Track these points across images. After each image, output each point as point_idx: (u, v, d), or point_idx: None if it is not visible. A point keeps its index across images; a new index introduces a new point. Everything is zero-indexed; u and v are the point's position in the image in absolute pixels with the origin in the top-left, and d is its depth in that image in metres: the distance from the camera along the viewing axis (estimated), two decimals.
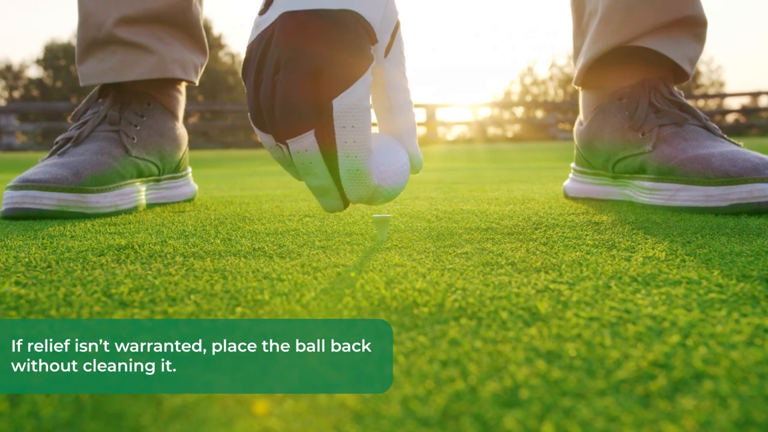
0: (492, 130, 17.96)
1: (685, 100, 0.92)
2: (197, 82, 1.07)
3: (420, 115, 10.53)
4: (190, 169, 1.13)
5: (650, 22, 0.91)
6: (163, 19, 1.00)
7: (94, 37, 0.98)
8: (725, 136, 0.88)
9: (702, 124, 0.89)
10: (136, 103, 0.99)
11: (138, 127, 0.97)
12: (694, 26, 0.92)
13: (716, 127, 0.89)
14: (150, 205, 0.99)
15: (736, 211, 0.76)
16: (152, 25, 0.99)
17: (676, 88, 0.94)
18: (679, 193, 0.82)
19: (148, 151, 0.98)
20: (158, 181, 1.02)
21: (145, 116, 0.99)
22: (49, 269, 0.50)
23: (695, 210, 0.80)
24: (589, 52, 0.96)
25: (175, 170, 1.06)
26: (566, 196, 1.05)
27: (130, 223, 0.78)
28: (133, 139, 0.96)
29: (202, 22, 1.06)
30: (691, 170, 0.81)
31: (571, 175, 1.06)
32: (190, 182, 1.12)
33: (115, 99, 0.98)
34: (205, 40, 1.08)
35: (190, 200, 1.10)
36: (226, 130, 12.49)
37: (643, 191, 0.88)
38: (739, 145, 0.86)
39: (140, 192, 0.96)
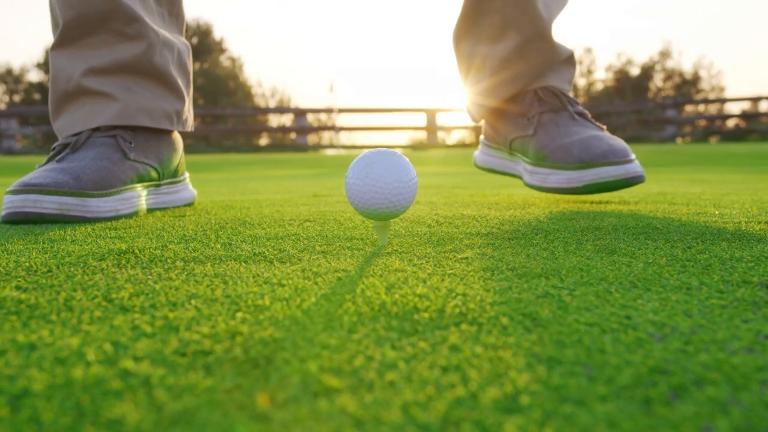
0: None
1: (570, 95, 1.12)
2: (182, 128, 1.06)
3: (420, 120, 10.55)
4: (187, 174, 1.13)
5: (536, 71, 1.10)
6: (130, 69, 0.99)
7: (65, 90, 0.98)
8: (593, 120, 1.09)
9: (576, 110, 1.09)
10: None
11: (134, 131, 0.98)
12: (566, 60, 1.13)
13: (587, 112, 1.11)
14: (150, 210, 1.00)
15: (590, 190, 0.98)
16: (120, 75, 0.99)
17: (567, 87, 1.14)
18: (549, 177, 1.04)
19: (146, 154, 0.98)
20: (158, 186, 1.02)
21: None
22: (50, 274, 0.51)
23: (562, 191, 1.01)
24: (487, 102, 1.16)
25: (174, 175, 1.06)
26: (476, 165, 1.27)
27: (130, 228, 0.78)
28: (131, 143, 0.96)
29: (173, 68, 1.04)
30: (558, 158, 1.02)
31: (480, 147, 1.27)
32: (189, 187, 1.12)
33: None
34: (181, 85, 1.06)
35: (190, 204, 1.10)
36: (227, 134, 12.50)
37: (526, 172, 1.10)
38: (602, 129, 1.07)
39: (141, 197, 0.96)
